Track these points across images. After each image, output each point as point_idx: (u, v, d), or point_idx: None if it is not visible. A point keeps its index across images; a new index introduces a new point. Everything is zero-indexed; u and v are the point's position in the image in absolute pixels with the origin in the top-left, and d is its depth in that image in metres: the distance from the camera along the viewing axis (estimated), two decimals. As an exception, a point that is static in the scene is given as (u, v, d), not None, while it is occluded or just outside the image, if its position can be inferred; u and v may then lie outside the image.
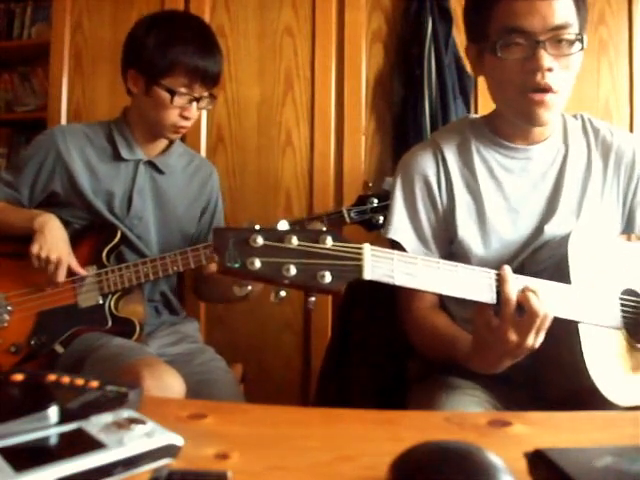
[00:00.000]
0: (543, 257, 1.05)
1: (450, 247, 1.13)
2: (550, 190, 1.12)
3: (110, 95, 2.24)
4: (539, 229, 1.09)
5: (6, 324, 1.41)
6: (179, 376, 1.22)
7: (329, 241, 0.71)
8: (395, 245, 1.12)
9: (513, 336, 0.84)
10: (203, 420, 0.72)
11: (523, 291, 0.84)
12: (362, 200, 1.51)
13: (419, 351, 1.14)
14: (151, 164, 1.55)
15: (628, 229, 1.16)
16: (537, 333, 0.85)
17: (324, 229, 0.72)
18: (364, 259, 0.73)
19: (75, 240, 1.44)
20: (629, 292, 1.02)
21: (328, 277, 0.70)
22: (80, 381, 0.73)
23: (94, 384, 0.73)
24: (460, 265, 0.83)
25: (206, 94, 1.47)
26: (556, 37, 0.99)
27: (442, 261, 0.82)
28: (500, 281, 0.84)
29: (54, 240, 1.37)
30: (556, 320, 0.86)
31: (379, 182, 1.53)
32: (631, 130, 2.03)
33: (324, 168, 2.14)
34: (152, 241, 1.53)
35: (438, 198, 1.13)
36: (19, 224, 1.42)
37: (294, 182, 2.16)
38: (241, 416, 0.77)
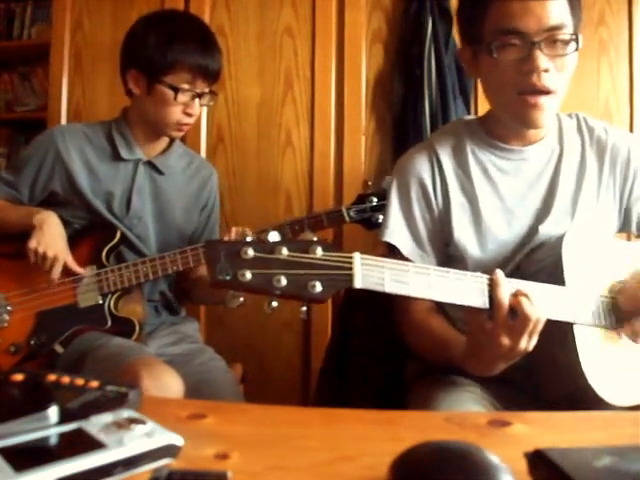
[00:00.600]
0: (539, 257, 1.05)
1: (446, 249, 1.13)
2: (545, 190, 1.12)
3: (110, 95, 2.24)
4: (534, 229, 1.09)
5: (6, 324, 1.41)
6: (177, 376, 1.22)
7: (319, 251, 0.71)
8: (391, 248, 1.12)
9: (506, 340, 0.84)
10: (203, 420, 0.72)
11: (515, 295, 0.84)
12: (361, 199, 1.51)
13: (416, 353, 1.14)
14: (150, 164, 1.55)
15: (625, 228, 1.16)
16: (530, 336, 0.85)
17: (314, 239, 0.72)
18: (354, 268, 0.73)
19: (75, 240, 1.44)
20: None
21: (319, 287, 0.70)
22: (80, 381, 0.73)
23: (94, 384, 0.73)
24: (452, 271, 0.83)
25: (208, 90, 1.48)
26: (551, 37, 0.99)
27: (433, 267, 0.82)
28: (492, 285, 0.84)
29: (52, 236, 1.37)
30: (551, 321, 0.87)
31: (379, 181, 1.53)
32: (631, 130, 2.03)
33: (324, 168, 2.14)
34: (151, 241, 1.53)
35: (433, 200, 1.13)
36: (18, 221, 1.42)
37: (294, 182, 2.17)
38: (241, 416, 0.77)
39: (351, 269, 0.73)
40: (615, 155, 1.13)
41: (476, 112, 2.07)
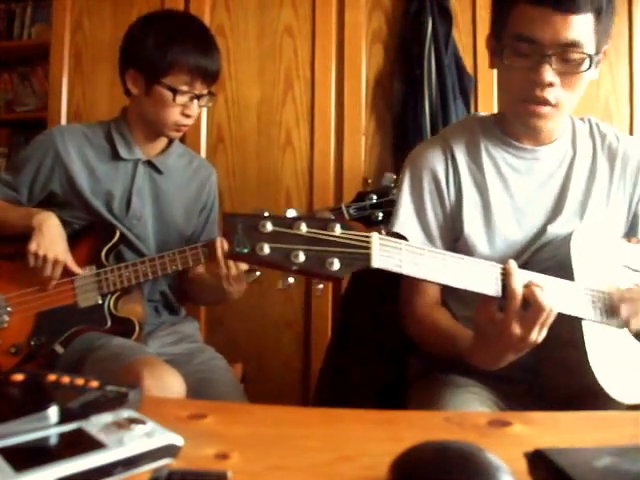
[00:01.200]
0: (545, 257, 1.06)
1: (455, 245, 1.13)
2: (556, 191, 1.12)
3: (110, 95, 2.24)
4: (543, 229, 1.10)
5: (6, 325, 1.41)
6: (179, 376, 1.22)
7: (338, 229, 0.71)
8: (400, 239, 1.12)
9: (517, 330, 0.84)
10: (203, 420, 0.72)
11: (528, 285, 0.84)
12: (361, 196, 1.51)
13: (420, 347, 1.14)
14: (150, 164, 1.54)
15: (631, 233, 1.16)
16: (541, 327, 0.85)
17: (332, 217, 0.73)
18: (372, 247, 0.73)
19: (74, 240, 1.44)
20: None
21: (337, 264, 0.70)
22: (80, 381, 0.73)
23: (94, 384, 0.73)
24: (466, 257, 0.83)
25: (206, 91, 1.48)
26: (563, 54, 0.98)
27: (448, 253, 0.82)
28: (506, 274, 0.84)
29: (52, 238, 1.37)
30: (559, 318, 0.87)
31: (378, 179, 1.53)
32: (631, 131, 2.04)
33: (324, 168, 2.14)
34: (150, 241, 1.53)
35: (446, 194, 1.13)
36: (18, 222, 1.42)
37: (294, 182, 2.17)
38: (241, 416, 0.77)
39: (369, 248, 0.73)
40: (626, 162, 1.14)
41: (476, 112, 2.06)
